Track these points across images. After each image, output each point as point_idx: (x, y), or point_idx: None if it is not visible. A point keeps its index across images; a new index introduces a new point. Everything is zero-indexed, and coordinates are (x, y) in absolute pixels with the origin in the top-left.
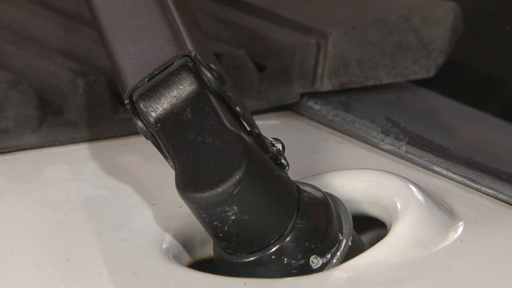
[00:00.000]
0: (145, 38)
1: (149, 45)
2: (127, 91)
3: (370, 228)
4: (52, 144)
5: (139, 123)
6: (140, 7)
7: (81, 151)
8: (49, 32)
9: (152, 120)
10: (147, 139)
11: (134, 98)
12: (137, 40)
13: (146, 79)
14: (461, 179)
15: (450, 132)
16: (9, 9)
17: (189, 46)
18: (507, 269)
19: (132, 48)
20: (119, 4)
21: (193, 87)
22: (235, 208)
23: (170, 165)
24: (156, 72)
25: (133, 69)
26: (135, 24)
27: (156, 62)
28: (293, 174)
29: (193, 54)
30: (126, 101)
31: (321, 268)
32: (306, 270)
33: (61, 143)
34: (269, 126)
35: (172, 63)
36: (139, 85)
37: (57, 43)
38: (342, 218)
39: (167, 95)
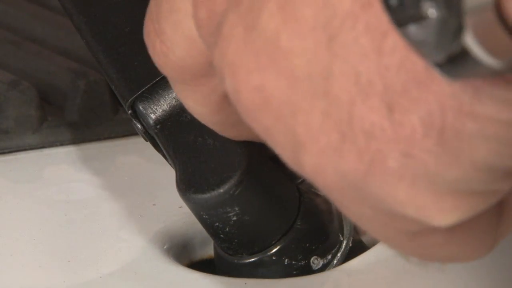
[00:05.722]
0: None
1: None
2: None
3: None
4: (52, 144)
5: (139, 125)
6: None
7: (81, 151)
8: (49, 32)
9: (151, 122)
10: (146, 141)
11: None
12: None
13: None
14: None
15: None
16: (9, 9)
17: None
18: (507, 269)
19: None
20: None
21: None
22: (237, 209)
23: (169, 164)
24: None
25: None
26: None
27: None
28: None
29: None
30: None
31: (321, 269)
32: (307, 271)
33: (62, 144)
34: None
35: None
36: None
37: (57, 43)
38: (343, 218)
39: (166, 96)
